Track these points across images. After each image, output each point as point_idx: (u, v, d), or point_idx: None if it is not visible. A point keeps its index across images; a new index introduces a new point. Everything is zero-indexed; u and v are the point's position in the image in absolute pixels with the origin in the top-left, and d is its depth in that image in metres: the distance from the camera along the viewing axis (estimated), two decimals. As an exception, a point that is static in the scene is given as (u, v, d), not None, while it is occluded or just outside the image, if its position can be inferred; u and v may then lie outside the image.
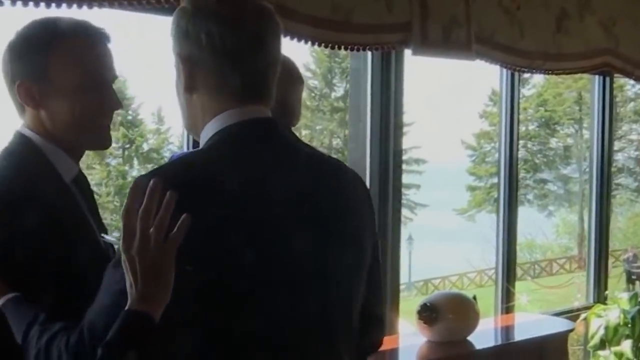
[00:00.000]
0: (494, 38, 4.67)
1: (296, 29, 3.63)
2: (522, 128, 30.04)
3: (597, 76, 5.79)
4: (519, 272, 25.09)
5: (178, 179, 1.54)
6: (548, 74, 5.32)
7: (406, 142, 29.17)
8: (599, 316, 5.42)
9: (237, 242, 1.53)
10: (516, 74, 5.19)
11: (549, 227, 30.30)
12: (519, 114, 5.42)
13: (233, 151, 1.62)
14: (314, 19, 3.72)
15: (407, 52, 4.40)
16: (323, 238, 1.64)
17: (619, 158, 31.12)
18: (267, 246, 1.57)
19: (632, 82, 6.90)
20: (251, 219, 1.56)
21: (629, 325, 5.21)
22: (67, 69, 1.86)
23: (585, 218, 7.42)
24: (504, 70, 5.09)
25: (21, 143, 1.89)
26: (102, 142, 2.00)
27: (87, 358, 1.49)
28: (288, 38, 3.63)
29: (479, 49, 4.56)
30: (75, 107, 1.88)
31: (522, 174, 29.69)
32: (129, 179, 24.23)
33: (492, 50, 4.70)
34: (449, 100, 43.18)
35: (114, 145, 20.21)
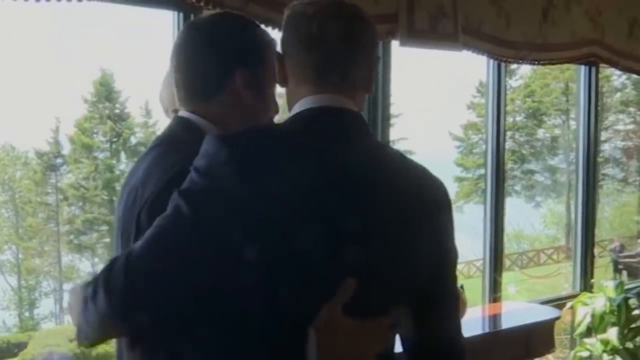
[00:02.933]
0: (480, 28, 4.70)
1: (279, 19, 3.64)
2: (510, 119, 30.10)
3: (583, 66, 5.82)
4: (506, 262, 25.20)
5: None
6: (534, 64, 5.34)
7: (393, 134, 29.13)
8: (585, 304, 5.46)
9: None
10: (503, 64, 5.22)
11: (537, 218, 30.40)
12: (505, 104, 5.44)
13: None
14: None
15: (395, 43, 4.43)
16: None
17: (606, 148, 31.22)
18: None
19: (618, 72, 6.92)
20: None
21: (615, 313, 5.26)
22: None
23: (573, 208, 7.48)
24: (491, 60, 5.12)
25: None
26: None
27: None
28: (270, 28, 3.65)
29: (465, 39, 4.59)
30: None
31: (509, 165, 29.76)
32: (117, 172, 24.18)
33: (479, 40, 4.72)
34: (436, 91, 43.17)
35: (101, 138, 19.99)
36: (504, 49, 4.87)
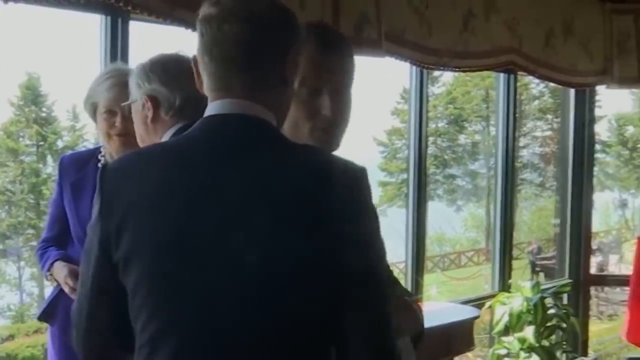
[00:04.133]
0: (403, 36, 4.75)
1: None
2: (432, 125, 30.43)
3: (502, 74, 5.93)
4: (429, 264, 25.44)
5: None
6: (455, 71, 5.43)
7: (320, 139, 29.20)
8: (504, 304, 5.56)
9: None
10: (425, 71, 5.28)
11: (458, 221, 30.77)
12: (427, 110, 5.51)
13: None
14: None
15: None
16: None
17: (524, 154, 31.75)
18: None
19: (536, 80, 7.07)
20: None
21: (531, 312, 5.36)
22: None
23: (492, 212, 7.60)
24: (414, 67, 5.18)
25: None
26: None
27: None
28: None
29: (389, 46, 4.63)
30: None
31: (432, 170, 30.07)
32: (43, 176, 23.77)
33: (402, 47, 4.77)
34: (360, 97, 43.33)
35: (27, 142, 19.61)
36: (426, 55, 4.92)
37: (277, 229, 1.61)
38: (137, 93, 2.64)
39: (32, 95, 24.12)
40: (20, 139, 23.60)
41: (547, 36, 5.71)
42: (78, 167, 3.20)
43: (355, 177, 1.69)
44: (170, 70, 2.71)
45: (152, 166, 1.70)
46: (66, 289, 3.03)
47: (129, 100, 2.67)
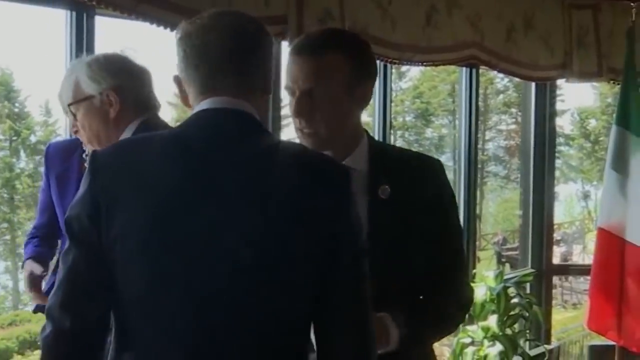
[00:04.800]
0: (366, 31, 4.73)
1: (172, 19, 3.60)
2: (400, 119, 30.52)
3: (464, 68, 5.93)
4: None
5: None
6: (418, 65, 5.42)
7: (288, 134, 29.22)
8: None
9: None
10: (389, 66, 5.28)
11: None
12: (391, 104, 5.50)
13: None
14: (191, 11, 3.70)
15: (285, 45, 4.43)
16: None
17: (490, 147, 31.93)
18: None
19: (501, 75, 7.09)
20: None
21: (495, 302, 5.37)
22: None
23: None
24: (378, 62, 5.16)
25: None
26: None
27: None
28: (162, 28, 3.63)
29: (352, 41, 4.61)
30: None
31: (399, 163, 30.13)
32: (17, 170, 23.60)
33: (366, 42, 4.75)
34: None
35: (0, 137, 19.50)
36: (390, 50, 4.92)
37: (268, 220, 1.66)
38: (94, 88, 2.60)
39: (5, 91, 23.96)
40: (-7, 133, 23.45)
41: (508, 31, 5.71)
42: (63, 158, 3.16)
43: (341, 174, 1.77)
44: (130, 65, 2.72)
45: (144, 154, 1.74)
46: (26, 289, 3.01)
47: (78, 97, 2.63)
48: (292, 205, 1.68)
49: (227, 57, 1.77)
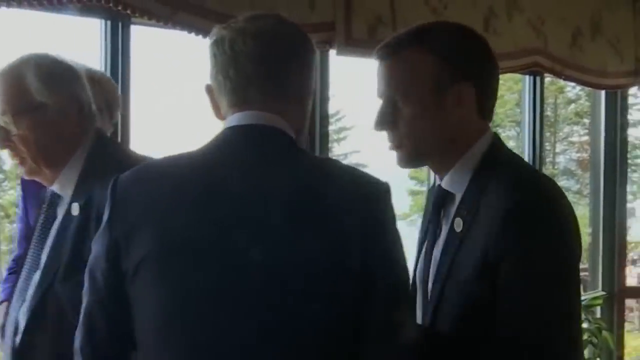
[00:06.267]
0: (420, 38, 4.67)
1: (209, 27, 3.59)
2: (464, 131, 30.34)
3: (527, 76, 5.82)
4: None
5: None
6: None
7: (346, 147, 29.21)
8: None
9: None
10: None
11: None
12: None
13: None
14: (229, 18, 3.69)
15: (333, 53, 4.41)
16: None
17: (561, 160, 31.53)
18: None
19: (572, 83, 6.95)
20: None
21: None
22: None
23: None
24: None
25: None
26: None
27: None
28: (201, 37, 3.62)
29: (405, 48, 4.56)
30: None
31: (465, 178, 29.93)
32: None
33: (420, 49, 4.69)
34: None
35: None
36: (446, 57, 4.85)
37: (289, 238, 1.62)
38: (49, 96, 2.25)
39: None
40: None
41: (573, 35, 5.59)
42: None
43: (375, 191, 1.70)
44: (77, 71, 2.38)
45: (164, 177, 1.72)
46: None
47: (22, 107, 2.23)
48: (321, 232, 1.63)
49: (260, 65, 1.73)
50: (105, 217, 1.71)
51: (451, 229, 1.92)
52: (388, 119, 1.96)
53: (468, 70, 1.96)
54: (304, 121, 1.81)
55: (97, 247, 1.72)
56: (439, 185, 2.02)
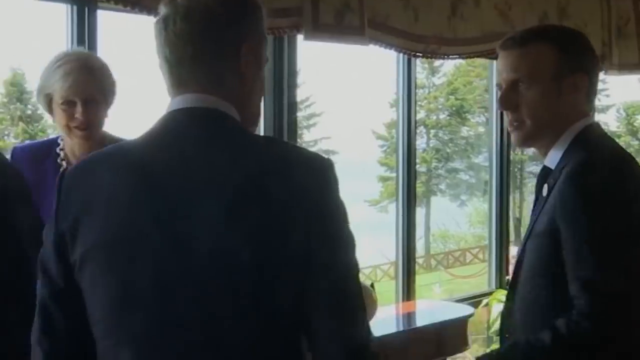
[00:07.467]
0: (388, 23, 4.71)
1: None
2: (433, 117, 30.40)
3: (494, 61, 5.87)
4: (432, 262, 25.35)
5: None
6: (443, 58, 5.39)
7: (316, 133, 29.22)
8: (500, 301, 5.50)
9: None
10: (412, 59, 5.25)
11: (462, 217, 30.71)
12: (416, 99, 5.48)
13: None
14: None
15: (300, 38, 4.44)
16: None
17: (530, 146, 31.65)
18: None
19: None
20: None
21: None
22: None
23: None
24: (401, 55, 5.14)
25: None
26: None
27: None
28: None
29: (372, 33, 4.60)
30: None
31: (433, 164, 30.04)
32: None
33: (387, 35, 4.74)
34: (360, 89, 43.26)
35: (12, 140, 19.55)
36: (412, 42, 4.89)
37: (231, 226, 1.60)
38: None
39: (17, 92, 24.08)
40: (6, 137, 23.61)
41: (540, 20, 5.65)
42: (34, 164, 3.01)
43: (318, 168, 1.68)
44: None
45: (107, 167, 1.71)
46: None
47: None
48: (256, 204, 1.61)
49: (190, 45, 1.69)
50: (53, 210, 1.72)
51: (540, 195, 2.31)
52: (513, 102, 2.30)
53: (584, 64, 2.32)
54: (248, 102, 1.77)
55: (46, 240, 1.72)
56: (544, 165, 2.37)
